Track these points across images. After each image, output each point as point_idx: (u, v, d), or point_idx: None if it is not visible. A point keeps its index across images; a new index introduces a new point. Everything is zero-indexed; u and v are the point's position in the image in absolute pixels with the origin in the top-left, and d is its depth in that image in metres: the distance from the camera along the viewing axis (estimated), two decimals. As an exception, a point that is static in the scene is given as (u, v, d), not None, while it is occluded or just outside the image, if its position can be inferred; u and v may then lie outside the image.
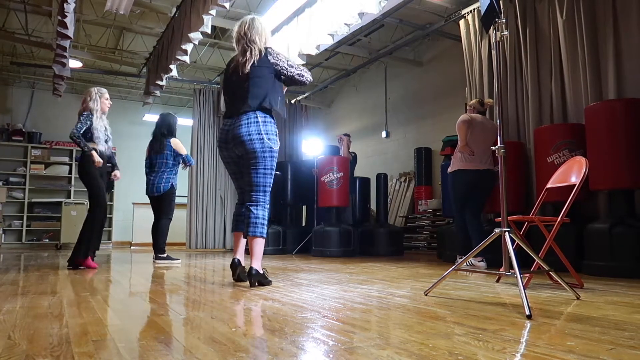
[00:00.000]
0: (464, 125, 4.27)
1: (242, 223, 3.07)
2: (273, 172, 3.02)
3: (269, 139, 2.94)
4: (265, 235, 2.95)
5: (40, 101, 10.23)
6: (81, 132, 4.21)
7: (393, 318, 1.86)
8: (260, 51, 3.04)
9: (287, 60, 3.07)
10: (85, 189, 4.40)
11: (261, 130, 2.93)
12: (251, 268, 2.88)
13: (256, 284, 2.90)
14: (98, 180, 4.33)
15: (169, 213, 5.22)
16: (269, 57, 3.03)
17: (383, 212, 6.87)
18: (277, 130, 3.04)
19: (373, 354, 1.29)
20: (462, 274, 3.68)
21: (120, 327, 1.69)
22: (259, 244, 2.93)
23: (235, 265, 3.04)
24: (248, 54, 3.02)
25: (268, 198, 3.02)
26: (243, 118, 2.95)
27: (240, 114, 2.96)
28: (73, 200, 9.30)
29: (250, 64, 2.99)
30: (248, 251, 2.99)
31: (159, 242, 5.17)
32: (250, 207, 2.96)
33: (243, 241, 3.11)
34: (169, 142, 5.20)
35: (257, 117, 2.95)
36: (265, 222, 2.96)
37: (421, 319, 1.83)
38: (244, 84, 3.00)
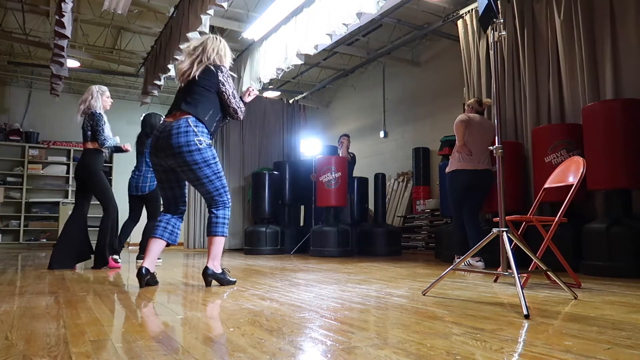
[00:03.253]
0: (462, 125, 4.27)
1: (163, 230, 2.97)
2: (221, 173, 2.93)
3: (202, 149, 2.79)
4: (225, 235, 2.96)
5: (38, 101, 10.20)
6: (103, 130, 4.17)
7: (391, 318, 1.86)
8: (210, 64, 2.94)
9: (233, 89, 2.98)
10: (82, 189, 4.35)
11: (193, 140, 2.76)
12: (207, 268, 2.90)
13: (211, 283, 2.91)
14: (105, 181, 4.30)
15: (156, 214, 5.17)
16: (219, 74, 2.93)
17: (381, 212, 6.87)
18: (209, 136, 2.89)
19: (371, 354, 1.29)
20: (460, 274, 3.69)
21: (118, 327, 1.69)
22: (219, 244, 2.93)
23: (142, 275, 2.83)
24: (196, 62, 2.93)
25: (228, 197, 2.98)
26: (174, 127, 2.78)
27: (171, 121, 2.82)
28: (70, 200, 9.27)
29: (197, 72, 2.89)
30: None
31: (143, 242, 5.15)
32: (212, 209, 2.95)
33: (157, 249, 2.96)
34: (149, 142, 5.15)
35: (188, 124, 2.77)
36: (226, 222, 2.97)
37: (419, 318, 1.83)
38: (185, 91, 2.92)
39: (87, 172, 4.24)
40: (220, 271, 2.95)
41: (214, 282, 2.95)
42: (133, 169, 5.17)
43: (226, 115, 3.06)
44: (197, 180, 2.86)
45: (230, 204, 3.02)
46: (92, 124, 4.22)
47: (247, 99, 3.21)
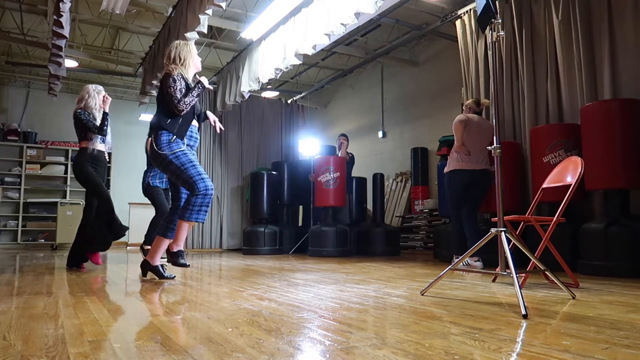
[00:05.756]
0: (461, 125, 4.27)
1: (168, 230, 3.33)
2: (188, 164, 3.17)
3: (158, 151, 3.17)
4: (191, 220, 3.16)
5: (36, 101, 10.18)
6: (92, 123, 4.18)
7: (389, 318, 1.86)
8: (163, 73, 3.30)
9: (172, 85, 3.16)
10: (83, 189, 4.33)
11: (153, 146, 3.22)
12: (167, 248, 3.30)
13: (171, 263, 3.31)
14: (94, 175, 4.26)
15: (156, 210, 5.19)
16: (164, 79, 3.23)
17: (379, 212, 6.87)
18: (170, 139, 3.19)
19: (369, 354, 1.29)
20: (458, 274, 3.69)
21: (116, 327, 1.69)
22: (183, 228, 3.23)
23: (143, 267, 3.39)
24: (161, 75, 3.43)
25: (204, 184, 3.16)
26: (149, 137, 3.38)
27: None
28: (69, 200, 9.26)
29: (157, 85, 3.34)
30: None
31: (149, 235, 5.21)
32: (191, 196, 3.18)
33: (160, 245, 3.35)
34: (146, 141, 5.23)
35: (150, 135, 3.29)
36: (199, 209, 3.17)
37: (417, 318, 1.83)
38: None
39: (75, 169, 4.25)
40: (176, 251, 3.28)
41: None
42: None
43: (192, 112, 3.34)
44: (172, 175, 3.23)
45: (207, 191, 3.17)
46: (76, 123, 4.22)
47: (205, 82, 3.42)
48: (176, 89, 3.16)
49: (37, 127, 10.07)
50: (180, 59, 3.29)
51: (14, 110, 10.08)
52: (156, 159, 3.21)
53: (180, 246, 3.29)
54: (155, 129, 3.23)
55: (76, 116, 4.23)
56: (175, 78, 3.19)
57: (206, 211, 3.19)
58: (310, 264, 4.95)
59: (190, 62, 3.34)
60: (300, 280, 3.30)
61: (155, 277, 3.35)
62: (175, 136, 3.19)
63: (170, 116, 3.22)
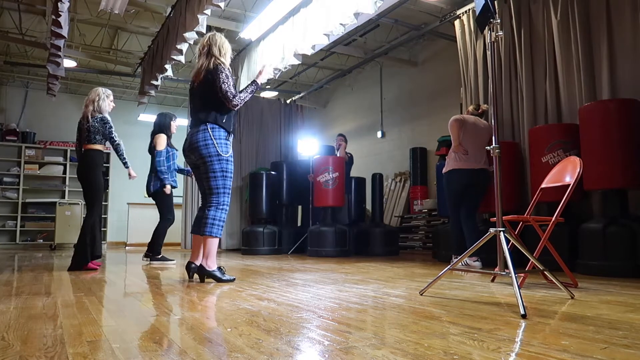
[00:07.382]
0: (456, 124, 4.28)
1: (194, 225, 3.29)
2: (226, 175, 3.18)
3: (215, 145, 3.12)
4: (218, 235, 3.15)
5: (34, 101, 10.17)
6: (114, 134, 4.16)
7: (388, 318, 1.86)
8: (213, 64, 3.17)
9: (226, 81, 3.13)
10: (81, 189, 4.28)
11: (208, 136, 3.13)
12: (201, 265, 3.17)
13: (204, 280, 3.18)
14: (102, 182, 4.23)
15: (164, 214, 5.15)
16: (217, 72, 3.13)
17: (378, 212, 6.88)
18: (226, 136, 3.19)
19: (368, 354, 1.29)
20: (457, 274, 3.69)
21: (115, 327, 1.69)
22: (211, 243, 3.15)
23: (190, 268, 3.27)
24: (201, 65, 3.20)
25: (225, 199, 3.20)
26: (200, 127, 3.16)
27: (197, 124, 3.19)
28: (67, 201, 9.25)
29: (202, 75, 3.17)
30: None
31: (154, 244, 5.15)
32: (208, 209, 3.17)
33: (196, 244, 3.28)
34: (153, 140, 5.17)
35: (206, 126, 3.15)
36: (220, 223, 3.15)
37: (416, 318, 1.83)
38: (197, 95, 3.23)
39: (88, 169, 4.17)
40: (214, 269, 3.16)
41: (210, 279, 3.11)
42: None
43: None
44: (206, 172, 3.15)
45: (225, 207, 3.19)
46: (102, 129, 4.20)
47: (260, 79, 3.36)
48: (230, 84, 3.14)
49: (36, 127, 10.07)
50: (222, 52, 3.24)
51: (13, 110, 10.07)
52: (200, 150, 3.11)
53: (215, 262, 3.18)
54: (209, 122, 3.14)
55: (104, 122, 4.19)
56: (227, 73, 3.16)
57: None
58: (309, 264, 4.95)
59: (228, 56, 3.30)
60: (299, 280, 3.30)
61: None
62: (229, 134, 3.20)
63: (224, 112, 3.18)
